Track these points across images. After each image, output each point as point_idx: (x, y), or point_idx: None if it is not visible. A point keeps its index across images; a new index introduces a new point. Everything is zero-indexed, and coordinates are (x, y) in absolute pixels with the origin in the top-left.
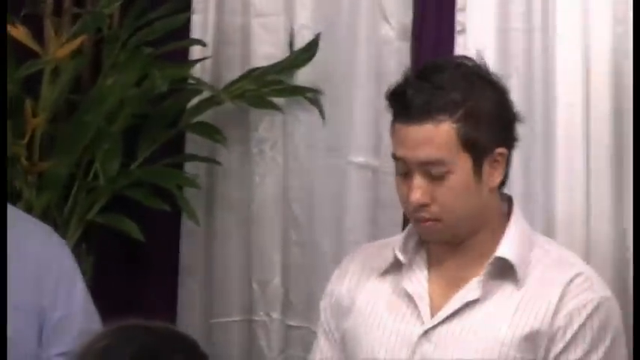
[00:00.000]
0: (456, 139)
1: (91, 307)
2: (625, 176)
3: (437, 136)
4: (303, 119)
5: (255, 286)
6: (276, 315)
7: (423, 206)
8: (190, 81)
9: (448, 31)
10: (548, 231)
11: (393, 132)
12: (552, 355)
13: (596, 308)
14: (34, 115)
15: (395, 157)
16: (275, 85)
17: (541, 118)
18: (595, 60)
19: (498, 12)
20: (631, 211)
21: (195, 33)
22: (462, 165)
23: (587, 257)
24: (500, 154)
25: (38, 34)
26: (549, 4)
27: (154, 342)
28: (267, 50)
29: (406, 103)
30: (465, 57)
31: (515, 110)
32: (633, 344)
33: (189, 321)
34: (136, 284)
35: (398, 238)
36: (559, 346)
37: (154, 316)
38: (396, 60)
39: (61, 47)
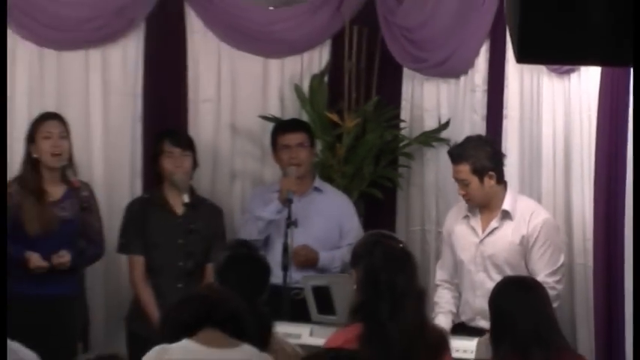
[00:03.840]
0: (471, 171)
1: (361, 229)
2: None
3: (463, 169)
4: None
5: None
6: None
7: (464, 195)
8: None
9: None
10: (539, 200)
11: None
12: (530, 249)
13: (545, 223)
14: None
15: (455, 179)
16: None
17: (533, 156)
18: (554, 136)
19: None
20: (579, 201)
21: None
22: (473, 180)
23: (567, 208)
24: (490, 175)
25: (340, 115)
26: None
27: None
28: None
29: (452, 151)
30: (479, 135)
31: (498, 155)
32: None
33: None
34: (378, 216)
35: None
36: (530, 241)
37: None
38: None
39: (350, 121)
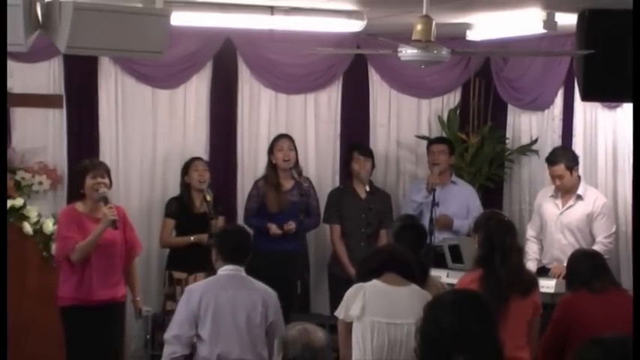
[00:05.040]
0: (565, 168)
1: (481, 207)
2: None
3: (560, 167)
4: None
5: None
6: None
7: (558, 185)
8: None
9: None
10: (595, 186)
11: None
12: (593, 221)
13: (604, 205)
14: (466, 154)
15: (552, 175)
16: None
17: (592, 161)
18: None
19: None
20: (622, 186)
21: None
22: (567, 175)
23: (614, 196)
24: (575, 169)
25: (467, 134)
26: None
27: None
28: None
29: (550, 158)
30: (562, 145)
31: (576, 157)
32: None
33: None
34: (491, 200)
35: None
36: (594, 217)
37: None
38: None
39: (473, 139)
